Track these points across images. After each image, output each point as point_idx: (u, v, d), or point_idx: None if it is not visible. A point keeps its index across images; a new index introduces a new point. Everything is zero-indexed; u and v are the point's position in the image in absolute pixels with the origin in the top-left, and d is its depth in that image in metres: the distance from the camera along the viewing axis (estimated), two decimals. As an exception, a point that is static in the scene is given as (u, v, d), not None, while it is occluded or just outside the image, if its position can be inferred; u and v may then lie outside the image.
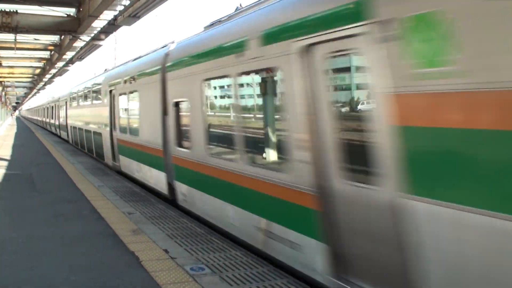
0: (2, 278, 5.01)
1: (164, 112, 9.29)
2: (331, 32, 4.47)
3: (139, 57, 12.39)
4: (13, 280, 4.95)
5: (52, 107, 36.70)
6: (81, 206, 8.73)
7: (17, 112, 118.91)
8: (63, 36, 18.24)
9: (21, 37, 16.85)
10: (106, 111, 14.92)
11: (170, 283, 4.87)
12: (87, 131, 18.89)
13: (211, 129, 7.53)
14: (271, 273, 5.28)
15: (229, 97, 6.94)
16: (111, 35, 16.90)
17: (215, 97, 7.78)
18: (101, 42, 16.73)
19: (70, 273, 5.15)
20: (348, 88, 5.14)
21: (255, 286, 4.87)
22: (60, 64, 24.09)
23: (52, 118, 37.29)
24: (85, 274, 5.14)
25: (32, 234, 6.77)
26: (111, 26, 14.18)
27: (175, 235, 6.77)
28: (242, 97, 6.65)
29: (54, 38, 19.11)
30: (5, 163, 15.24)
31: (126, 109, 12.90)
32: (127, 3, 11.99)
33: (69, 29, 14.92)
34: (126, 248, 6.12)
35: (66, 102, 26.44)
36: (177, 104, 8.72)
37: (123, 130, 13.09)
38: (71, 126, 24.48)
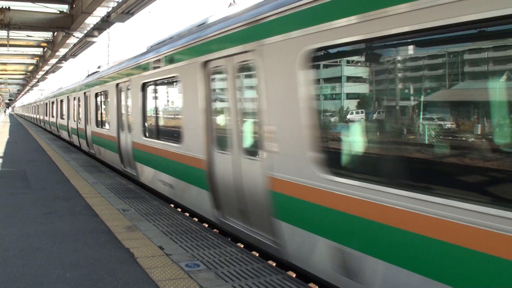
0: (-5, 276, 4.97)
1: None
2: None
3: None
4: (5, 278, 4.91)
5: (97, 95, 16.19)
6: (75, 203, 8.69)
7: (10, 110, 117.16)
8: (56, 33, 18.12)
9: (13, 33, 16.75)
10: None
11: (165, 280, 4.85)
12: None
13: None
14: (266, 269, 5.28)
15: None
16: (104, 32, 16.80)
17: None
18: (94, 39, 16.62)
19: (64, 271, 5.12)
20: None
21: (251, 282, 4.86)
22: (53, 61, 23.95)
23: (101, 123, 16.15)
24: (79, 271, 5.11)
25: (25, 231, 6.73)
26: (104, 23, 14.10)
27: (170, 232, 6.75)
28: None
29: (47, 34, 19.01)
30: (-2, 161, 15.15)
31: None
32: (120, -1, 11.94)
33: (62, 25, 14.86)
34: (121, 244, 6.09)
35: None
36: None
37: None
38: None
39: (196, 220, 7.96)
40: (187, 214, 8.64)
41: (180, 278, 4.91)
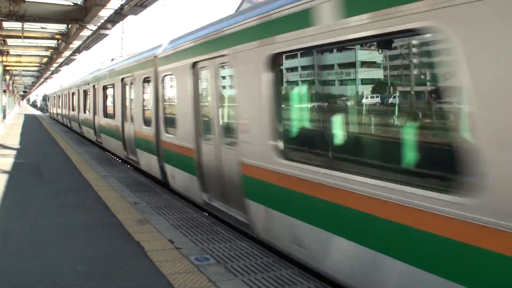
0: (7, 268, 5.03)
1: None
2: None
3: None
4: (18, 270, 4.97)
5: None
6: (87, 196, 8.75)
7: (25, 101, 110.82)
8: (70, 25, 18.18)
9: (28, 25, 16.82)
10: None
11: (175, 273, 4.87)
12: None
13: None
14: (276, 263, 5.27)
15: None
16: (118, 24, 16.83)
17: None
18: (107, 32, 16.61)
19: (75, 263, 5.16)
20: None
21: (260, 277, 4.86)
22: (67, 53, 24.02)
23: None
24: (90, 264, 5.15)
25: (37, 223, 6.79)
26: (118, 15, 14.08)
27: (180, 226, 6.77)
28: None
29: (61, 27, 19.05)
30: (13, 152, 15.31)
31: None
32: (134, -8, 11.91)
33: (76, 18, 14.87)
34: (132, 238, 6.13)
35: None
36: None
37: None
38: None
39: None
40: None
41: (189, 272, 4.93)
